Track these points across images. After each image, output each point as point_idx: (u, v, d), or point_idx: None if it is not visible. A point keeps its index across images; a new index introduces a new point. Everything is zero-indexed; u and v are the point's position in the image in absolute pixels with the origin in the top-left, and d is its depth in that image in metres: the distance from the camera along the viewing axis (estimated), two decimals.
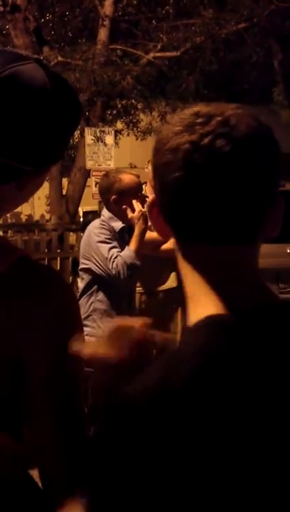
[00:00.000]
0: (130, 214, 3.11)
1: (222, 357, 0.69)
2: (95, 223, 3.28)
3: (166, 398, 0.67)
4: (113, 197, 3.18)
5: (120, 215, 3.19)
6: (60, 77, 1.00)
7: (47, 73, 0.96)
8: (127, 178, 3.21)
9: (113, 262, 3.05)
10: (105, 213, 3.28)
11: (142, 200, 3.18)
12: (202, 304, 0.75)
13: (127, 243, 3.19)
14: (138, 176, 3.33)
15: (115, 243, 3.15)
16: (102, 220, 3.24)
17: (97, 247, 3.12)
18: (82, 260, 3.24)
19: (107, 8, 11.06)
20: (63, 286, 1.02)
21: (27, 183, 0.99)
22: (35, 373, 0.93)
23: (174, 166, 0.74)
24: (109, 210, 3.26)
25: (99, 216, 3.44)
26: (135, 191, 3.18)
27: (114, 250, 3.09)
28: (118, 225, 3.19)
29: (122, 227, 3.19)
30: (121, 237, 3.20)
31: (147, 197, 3.26)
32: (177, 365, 0.70)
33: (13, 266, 0.94)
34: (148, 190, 3.93)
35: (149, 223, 3.84)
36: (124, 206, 3.11)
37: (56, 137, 0.99)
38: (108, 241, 3.13)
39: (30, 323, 0.92)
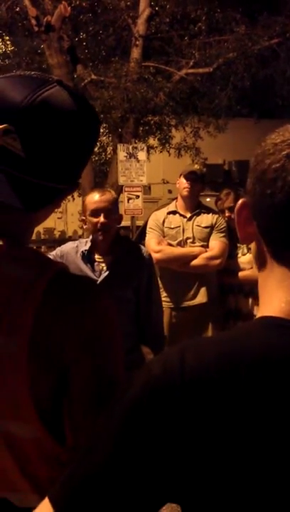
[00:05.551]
0: None
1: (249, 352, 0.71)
2: (68, 245, 3.02)
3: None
4: (82, 217, 3.02)
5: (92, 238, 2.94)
6: (78, 95, 1.05)
7: (70, 93, 1.00)
8: (89, 196, 2.94)
9: None
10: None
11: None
12: (270, 308, 0.77)
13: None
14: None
15: None
16: (77, 246, 2.98)
17: None
18: None
19: (140, 26, 11.20)
20: (102, 295, 1.04)
21: (60, 200, 1.06)
22: (78, 381, 0.97)
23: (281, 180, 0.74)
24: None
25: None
26: (92, 210, 2.84)
27: None
28: (84, 248, 2.91)
29: (84, 251, 2.89)
30: (88, 260, 2.89)
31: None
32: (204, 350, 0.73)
33: (53, 280, 0.98)
34: (179, 206, 3.95)
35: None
36: None
37: (86, 152, 1.05)
38: None
39: (73, 334, 0.96)
